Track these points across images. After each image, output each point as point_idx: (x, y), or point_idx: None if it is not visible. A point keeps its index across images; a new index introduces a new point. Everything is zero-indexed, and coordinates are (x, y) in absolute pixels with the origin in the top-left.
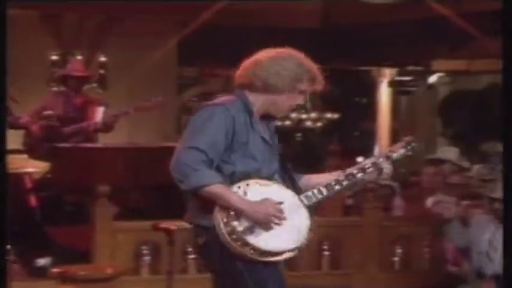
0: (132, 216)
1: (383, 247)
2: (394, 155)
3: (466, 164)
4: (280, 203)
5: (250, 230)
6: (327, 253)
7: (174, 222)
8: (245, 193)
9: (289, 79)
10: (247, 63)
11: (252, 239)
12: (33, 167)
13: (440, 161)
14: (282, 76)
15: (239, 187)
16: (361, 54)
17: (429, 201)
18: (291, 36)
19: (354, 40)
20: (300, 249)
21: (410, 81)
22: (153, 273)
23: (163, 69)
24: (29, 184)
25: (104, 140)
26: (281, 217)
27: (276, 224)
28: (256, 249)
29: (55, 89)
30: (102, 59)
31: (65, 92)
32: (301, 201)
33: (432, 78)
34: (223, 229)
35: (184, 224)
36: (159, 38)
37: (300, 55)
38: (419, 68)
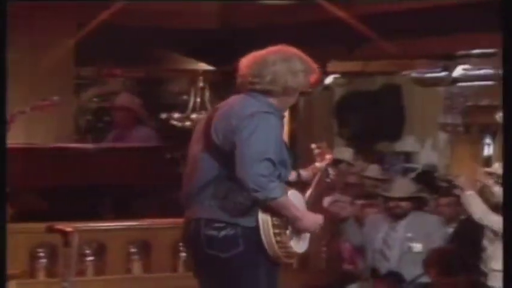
0: (28, 219)
1: None
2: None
3: (360, 163)
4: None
5: (293, 235)
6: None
7: (71, 224)
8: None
9: (303, 78)
10: (254, 68)
11: (292, 243)
12: None
13: (337, 161)
14: (297, 77)
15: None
16: None
17: (326, 201)
18: (190, 37)
19: (251, 41)
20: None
21: None
22: (50, 276)
23: (60, 69)
24: None
25: None
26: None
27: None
28: (289, 252)
29: None
30: None
31: None
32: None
33: (328, 80)
34: (271, 230)
35: (82, 226)
36: (56, 37)
37: (297, 51)
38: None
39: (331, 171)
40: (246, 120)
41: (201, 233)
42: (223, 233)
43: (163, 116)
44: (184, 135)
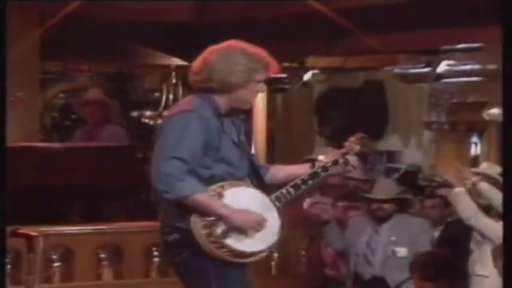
0: None
1: None
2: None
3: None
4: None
5: (227, 233)
6: None
7: (36, 228)
8: (220, 196)
9: (244, 73)
10: (198, 66)
11: (229, 241)
12: None
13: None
14: (236, 72)
15: (214, 190)
16: None
17: (306, 203)
18: (163, 31)
19: (226, 35)
20: (271, 249)
21: (284, 78)
22: (13, 283)
23: (25, 64)
24: None
25: None
26: (262, 224)
27: (258, 230)
28: (232, 251)
29: None
30: None
31: None
32: (273, 202)
33: (307, 76)
34: (202, 231)
35: (48, 230)
36: (20, 30)
37: (245, 46)
38: (293, 65)
39: (351, 159)
40: (164, 122)
41: (162, 238)
42: (171, 237)
43: (134, 113)
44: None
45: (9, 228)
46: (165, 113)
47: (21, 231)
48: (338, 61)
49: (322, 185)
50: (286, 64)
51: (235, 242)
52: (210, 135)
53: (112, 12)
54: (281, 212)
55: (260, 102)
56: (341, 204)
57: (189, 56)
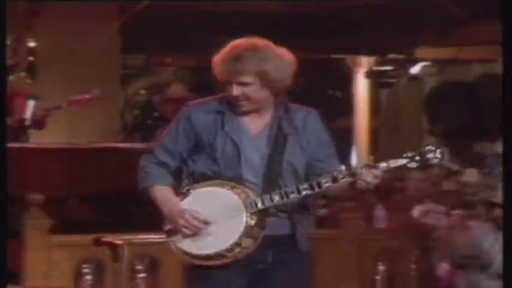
0: (71, 230)
1: (363, 264)
2: (389, 164)
3: (455, 166)
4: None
5: (174, 232)
6: None
7: (120, 236)
8: (186, 194)
9: (219, 68)
10: (240, 57)
11: (176, 241)
12: None
13: (427, 164)
14: (219, 67)
15: (187, 189)
16: (334, 40)
17: (416, 211)
18: (251, 21)
19: (325, 24)
20: (223, 255)
21: (391, 71)
22: None
23: (104, 57)
24: None
25: (36, 140)
26: (192, 224)
27: (190, 230)
28: (185, 252)
29: None
30: (32, 44)
31: None
32: (245, 207)
33: (416, 68)
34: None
35: (133, 238)
36: (99, 21)
37: (242, 41)
38: (401, 57)
39: (367, 176)
40: None
41: None
42: None
43: None
44: None
45: (92, 236)
46: None
47: (105, 239)
48: (451, 52)
49: (435, 192)
50: (392, 56)
51: (182, 242)
52: (199, 131)
53: (197, 2)
54: (259, 219)
55: (362, 98)
56: (456, 212)
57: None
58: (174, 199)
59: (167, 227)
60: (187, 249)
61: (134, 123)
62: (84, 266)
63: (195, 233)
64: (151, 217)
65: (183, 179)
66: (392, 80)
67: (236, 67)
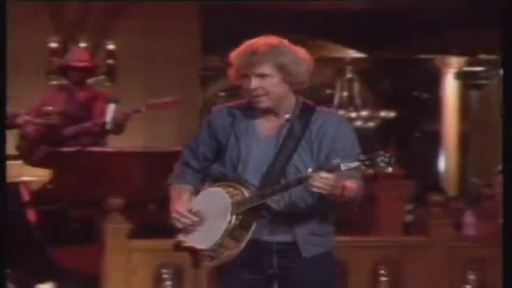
0: (151, 234)
1: (452, 272)
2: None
3: None
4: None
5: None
6: (384, 278)
7: None
8: (197, 193)
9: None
10: (260, 53)
11: (182, 237)
12: (30, 176)
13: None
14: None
15: (198, 190)
16: (421, 40)
17: None
18: (335, 20)
19: (412, 23)
20: (210, 256)
21: (481, 72)
22: None
23: (184, 59)
24: (26, 196)
25: (115, 144)
26: (181, 220)
27: (182, 224)
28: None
29: (54, 82)
30: (111, 46)
31: (66, 87)
32: (232, 207)
33: None
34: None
35: None
36: (179, 22)
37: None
38: (493, 57)
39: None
40: None
41: None
42: None
43: None
44: None
45: (172, 241)
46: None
47: (185, 244)
48: None
49: None
50: (483, 56)
51: (188, 238)
52: (217, 134)
53: (278, 3)
54: (244, 220)
55: (451, 100)
56: None
57: (366, 48)
58: (181, 197)
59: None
60: (190, 243)
61: None
62: (163, 271)
63: (188, 227)
64: None
65: (206, 180)
66: (483, 82)
67: (253, 59)
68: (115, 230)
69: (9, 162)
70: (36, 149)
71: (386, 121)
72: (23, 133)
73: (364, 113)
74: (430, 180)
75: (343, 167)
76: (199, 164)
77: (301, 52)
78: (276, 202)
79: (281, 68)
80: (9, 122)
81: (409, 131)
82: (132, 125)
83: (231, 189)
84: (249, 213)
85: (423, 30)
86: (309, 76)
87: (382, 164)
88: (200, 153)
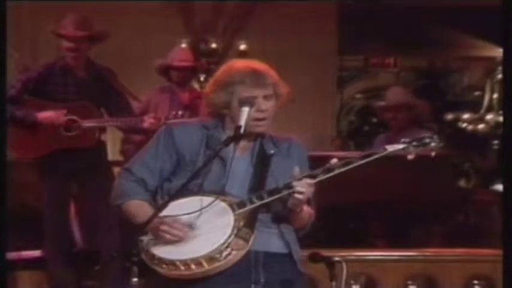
0: None
1: None
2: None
3: None
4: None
5: (155, 243)
6: None
7: (336, 252)
8: (164, 208)
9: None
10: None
11: (155, 251)
12: None
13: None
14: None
15: (164, 202)
16: None
17: None
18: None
19: None
20: (213, 258)
21: None
22: None
23: (320, 59)
24: None
25: None
26: (175, 227)
27: (174, 235)
28: (157, 259)
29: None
30: (243, 46)
31: (169, 87)
32: (231, 208)
33: None
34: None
35: (349, 255)
36: (313, 22)
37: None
38: None
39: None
40: None
41: None
42: None
43: (450, 116)
44: (476, 140)
45: (308, 251)
46: (488, 117)
47: (323, 255)
48: None
49: None
50: None
51: (159, 250)
52: (185, 148)
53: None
54: (248, 220)
55: None
56: None
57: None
58: (151, 210)
59: (145, 240)
60: (170, 257)
61: (349, 129)
62: None
63: (179, 239)
64: (364, 231)
65: (158, 199)
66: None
67: (260, 80)
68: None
69: (114, 168)
70: None
71: None
72: (130, 138)
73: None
74: None
75: (389, 148)
76: (154, 182)
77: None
78: None
79: (276, 89)
80: (133, 127)
81: None
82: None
83: (220, 197)
84: (250, 214)
85: None
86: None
87: (430, 143)
88: (157, 170)
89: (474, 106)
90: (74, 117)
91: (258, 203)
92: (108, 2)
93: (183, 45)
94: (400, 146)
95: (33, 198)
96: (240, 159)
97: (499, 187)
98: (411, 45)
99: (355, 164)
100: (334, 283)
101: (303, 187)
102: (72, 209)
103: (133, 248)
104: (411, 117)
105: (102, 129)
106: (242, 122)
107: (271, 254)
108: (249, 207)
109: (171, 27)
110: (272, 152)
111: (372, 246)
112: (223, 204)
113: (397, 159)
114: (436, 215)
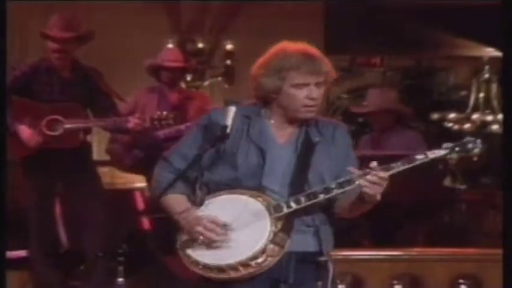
0: None
1: None
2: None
3: None
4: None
5: (191, 243)
6: None
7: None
8: (201, 205)
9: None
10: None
11: (190, 252)
12: (144, 182)
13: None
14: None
15: (201, 198)
16: None
17: None
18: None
19: None
20: (247, 265)
21: None
22: None
23: None
24: (140, 204)
25: None
26: (211, 229)
27: (209, 238)
28: (195, 262)
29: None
30: (229, 46)
31: (158, 88)
32: (268, 211)
33: None
34: (177, 242)
35: (334, 255)
36: (301, 21)
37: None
38: None
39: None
40: None
41: None
42: None
43: (435, 116)
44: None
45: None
46: (474, 116)
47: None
48: None
49: None
50: None
51: (197, 254)
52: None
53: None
54: (284, 224)
55: None
56: None
57: (506, 45)
58: (189, 207)
59: (182, 238)
60: (206, 261)
61: None
62: None
63: (214, 242)
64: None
65: (197, 191)
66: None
67: (315, 67)
68: None
69: (101, 168)
70: (129, 153)
71: None
72: (116, 137)
73: (501, 117)
74: None
75: (430, 155)
76: (193, 171)
77: None
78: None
79: (327, 76)
80: (118, 127)
81: None
82: None
83: (257, 196)
84: (287, 217)
85: None
86: None
87: (474, 148)
88: (195, 159)
89: (460, 106)
90: (58, 117)
91: (294, 207)
92: (94, 1)
93: (170, 45)
94: (443, 152)
95: (18, 198)
96: (282, 149)
97: (486, 186)
98: (397, 45)
99: (396, 170)
100: (320, 283)
101: (375, 180)
102: (58, 209)
103: (119, 248)
104: (393, 118)
105: (87, 130)
106: (228, 121)
107: (303, 253)
108: (285, 211)
109: (157, 27)
110: (317, 139)
111: (358, 245)
112: (260, 206)
113: (385, 161)
114: (422, 214)
